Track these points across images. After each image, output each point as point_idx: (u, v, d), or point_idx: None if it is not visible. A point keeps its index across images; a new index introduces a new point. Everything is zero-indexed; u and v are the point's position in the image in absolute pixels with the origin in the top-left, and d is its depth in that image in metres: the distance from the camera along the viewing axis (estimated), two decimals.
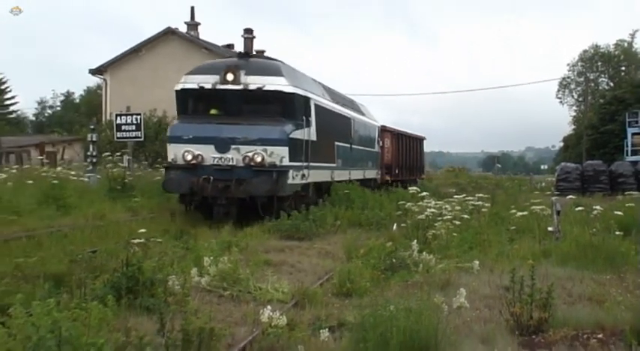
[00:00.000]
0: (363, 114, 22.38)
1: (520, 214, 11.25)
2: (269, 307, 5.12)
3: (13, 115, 57.73)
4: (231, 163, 12.43)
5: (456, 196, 13.90)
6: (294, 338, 4.79)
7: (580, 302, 6.05)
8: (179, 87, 13.53)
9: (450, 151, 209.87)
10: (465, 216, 11.35)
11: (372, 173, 22.69)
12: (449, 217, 10.57)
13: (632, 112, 34.48)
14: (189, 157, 12.56)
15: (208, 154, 12.48)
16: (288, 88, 13.10)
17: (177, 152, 12.83)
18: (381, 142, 25.17)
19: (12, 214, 10.62)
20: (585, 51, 60.54)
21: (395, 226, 11.29)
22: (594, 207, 10.82)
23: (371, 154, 22.96)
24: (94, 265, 6.43)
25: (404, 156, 30.18)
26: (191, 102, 13.65)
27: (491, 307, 5.80)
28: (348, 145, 18.65)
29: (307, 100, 14.16)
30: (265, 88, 12.81)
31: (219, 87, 12.98)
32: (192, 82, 13.33)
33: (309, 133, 14.07)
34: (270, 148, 12.48)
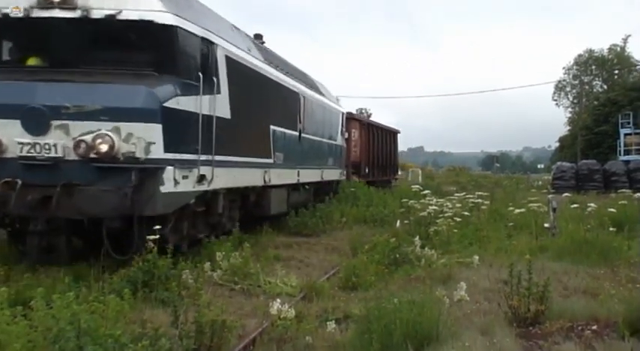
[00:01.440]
0: (321, 94, 16.01)
1: (518, 211, 11.39)
2: (278, 300, 5.28)
3: None
4: (52, 155, 6.63)
5: (456, 194, 14.12)
6: (302, 330, 4.93)
7: (575, 295, 6.14)
8: None
9: (450, 151, 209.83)
10: (466, 213, 11.52)
11: (333, 173, 17.05)
12: (450, 214, 10.73)
13: (625, 114, 34.81)
14: None
15: (10, 137, 6.65)
16: (166, 18, 7.14)
17: None
18: (346, 134, 19.87)
19: None
20: (580, 55, 61.45)
21: (398, 223, 11.42)
22: (589, 204, 10.94)
23: (332, 147, 16.82)
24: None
25: (376, 152, 24.97)
26: None
27: (490, 300, 5.91)
28: (295, 133, 12.65)
29: (209, 45, 8.13)
30: (122, 17, 6.94)
31: (36, 14, 6.95)
32: None
33: (214, 105, 8.08)
34: (125, 126, 6.67)
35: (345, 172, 19.19)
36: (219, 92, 8.30)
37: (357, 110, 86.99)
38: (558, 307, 5.35)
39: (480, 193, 14.40)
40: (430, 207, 11.04)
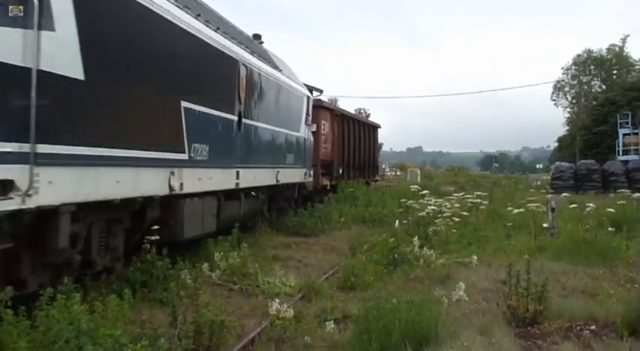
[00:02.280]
0: (277, 69, 12.25)
1: (517, 211, 11.40)
2: (277, 300, 5.31)
3: None
4: None
5: (455, 194, 14.13)
6: (300, 330, 4.96)
7: (574, 295, 6.15)
8: None
9: (449, 151, 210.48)
10: (464, 213, 11.54)
11: (294, 174, 13.02)
12: (449, 214, 10.76)
13: (624, 114, 34.88)
14: None
15: None
16: None
17: None
18: (314, 126, 15.96)
19: None
20: (579, 55, 61.70)
21: (397, 223, 11.44)
22: (587, 204, 10.96)
23: (293, 140, 12.92)
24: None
25: (352, 149, 21.11)
26: None
27: (489, 300, 5.92)
28: (232, 118, 8.94)
29: None
30: None
31: None
32: None
33: (39, 48, 4.53)
34: None
35: (311, 173, 15.01)
36: (51, 27, 4.66)
37: (355, 110, 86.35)
38: (557, 307, 5.37)
39: (478, 193, 14.43)
40: (429, 207, 11.06)
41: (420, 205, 11.53)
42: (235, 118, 9.06)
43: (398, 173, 51.45)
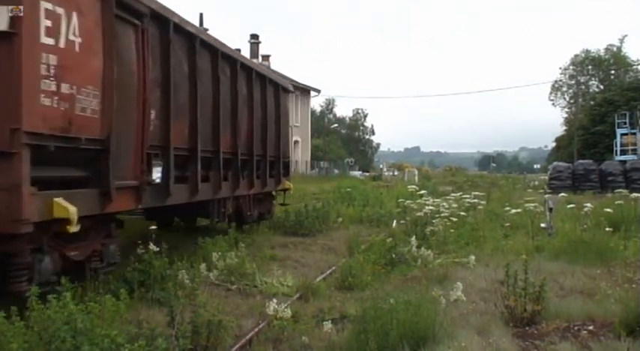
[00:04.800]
0: None
1: (514, 211, 11.42)
2: (274, 300, 5.32)
3: None
4: None
5: (453, 195, 14.16)
6: (298, 330, 4.96)
7: (571, 295, 6.16)
8: None
9: (447, 151, 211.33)
10: (462, 213, 11.56)
11: None
12: (446, 214, 10.78)
13: (621, 114, 34.95)
14: None
15: None
16: None
17: None
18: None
19: None
20: (576, 55, 62.21)
21: (395, 223, 11.45)
22: (585, 204, 10.97)
23: None
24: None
25: (216, 120, 8.37)
26: None
27: (486, 300, 5.92)
28: None
29: None
30: None
31: None
32: None
33: None
34: None
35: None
36: None
37: (353, 111, 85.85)
38: (555, 308, 5.37)
39: (476, 193, 14.46)
40: (427, 207, 11.06)
41: (418, 205, 11.54)
42: None
43: (395, 173, 51.50)
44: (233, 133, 9.02)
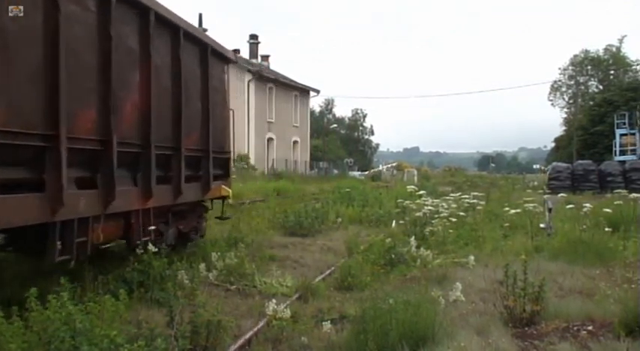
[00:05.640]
0: None
1: (513, 211, 11.41)
2: (274, 300, 5.32)
3: None
4: None
5: (452, 195, 14.16)
6: (297, 330, 4.96)
7: (571, 295, 6.16)
8: None
9: (446, 151, 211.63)
10: (461, 213, 11.56)
11: None
12: (445, 214, 10.78)
13: (621, 114, 35.03)
14: None
15: None
16: None
17: None
18: None
19: None
20: (576, 55, 62.29)
21: (394, 223, 11.45)
22: (584, 205, 10.95)
23: None
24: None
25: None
26: None
27: (486, 300, 5.93)
28: None
29: None
30: None
31: None
32: None
33: None
34: None
35: None
36: None
37: (352, 111, 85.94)
38: (554, 308, 5.37)
39: (475, 193, 14.45)
40: (426, 207, 11.07)
41: (417, 206, 11.55)
42: None
43: (394, 173, 51.51)
44: (103, 110, 5.38)
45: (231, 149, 9.41)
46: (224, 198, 9.00)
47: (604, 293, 6.04)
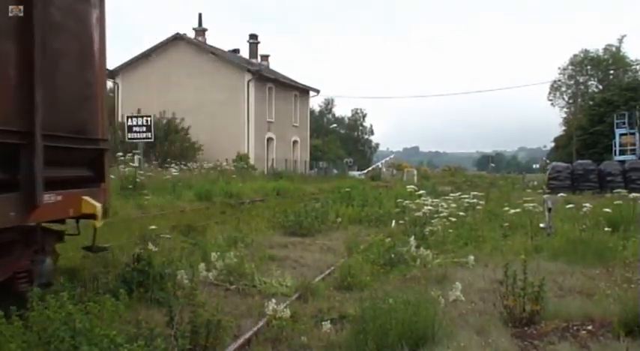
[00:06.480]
0: None
1: (513, 211, 11.43)
2: (273, 300, 5.32)
3: None
4: None
5: (452, 195, 14.17)
6: (297, 330, 4.95)
7: (570, 295, 6.16)
8: None
9: (446, 151, 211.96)
10: (461, 213, 11.56)
11: None
12: (445, 214, 10.79)
13: (620, 114, 35.06)
14: None
15: None
16: None
17: None
18: None
19: None
20: (575, 55, 62.28)
21: (394, 223, 11.45)
22: (584, 204, 11.00)
23: None
24: (107, 260, 6.53)
25: None
26: None
27: (485, 300, 5.92)
28: None
29: None
30: None
31: None
32: None
33: None
34: None
35: None
36: None
37: (352, 111, 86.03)
38: (554, 307, 5.36)
39: (475, 193, 14.45)
40: (425, 207, 11.07)
41: (417, 206, 11.55)
42: None
43: (394, 173, 51.51)
44: None
45: (107, 135, 5.74)
46: (89, 217, 5.15)
47: (604, 293, 6.04)
